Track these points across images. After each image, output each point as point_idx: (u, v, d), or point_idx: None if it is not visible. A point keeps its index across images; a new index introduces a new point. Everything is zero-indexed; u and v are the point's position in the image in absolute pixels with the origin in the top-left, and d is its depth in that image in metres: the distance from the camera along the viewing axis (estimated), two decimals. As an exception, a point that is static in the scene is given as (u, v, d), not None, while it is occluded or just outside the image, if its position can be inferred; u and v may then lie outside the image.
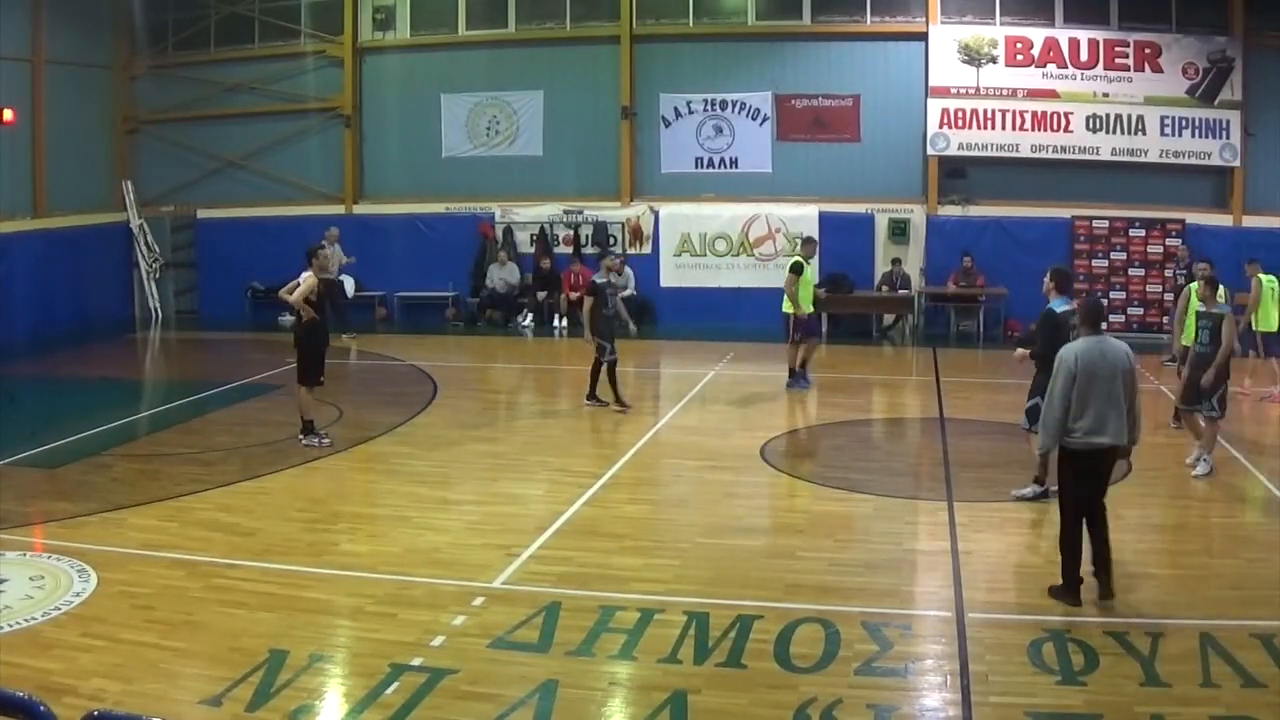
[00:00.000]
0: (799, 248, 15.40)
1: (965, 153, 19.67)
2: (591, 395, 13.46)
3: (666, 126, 20.91)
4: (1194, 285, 12.17)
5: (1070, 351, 7.49)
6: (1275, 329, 14.49)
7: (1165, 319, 19.01)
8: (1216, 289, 10.86)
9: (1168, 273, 18.66)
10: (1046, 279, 9.67)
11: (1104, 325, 7.81)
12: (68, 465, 10.97)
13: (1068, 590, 7.39)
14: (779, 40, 20.47)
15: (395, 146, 21.93)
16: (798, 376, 14.60)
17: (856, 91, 20.15)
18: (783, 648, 6.64)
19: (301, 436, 11.62)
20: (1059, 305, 9.40)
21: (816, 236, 17.25)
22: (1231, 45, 18.76)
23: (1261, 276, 14.43)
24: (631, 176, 20.98)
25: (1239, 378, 12.99)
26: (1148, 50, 19.02)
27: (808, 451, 11.99)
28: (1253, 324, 14.26)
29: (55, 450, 11.43)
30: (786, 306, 14.47)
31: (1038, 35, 19.30)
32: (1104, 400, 7.32)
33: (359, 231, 20.92)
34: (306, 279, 11.41)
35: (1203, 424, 10.54)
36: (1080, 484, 7.48)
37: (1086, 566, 7.40)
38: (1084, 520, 7.48)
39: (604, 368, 13.30)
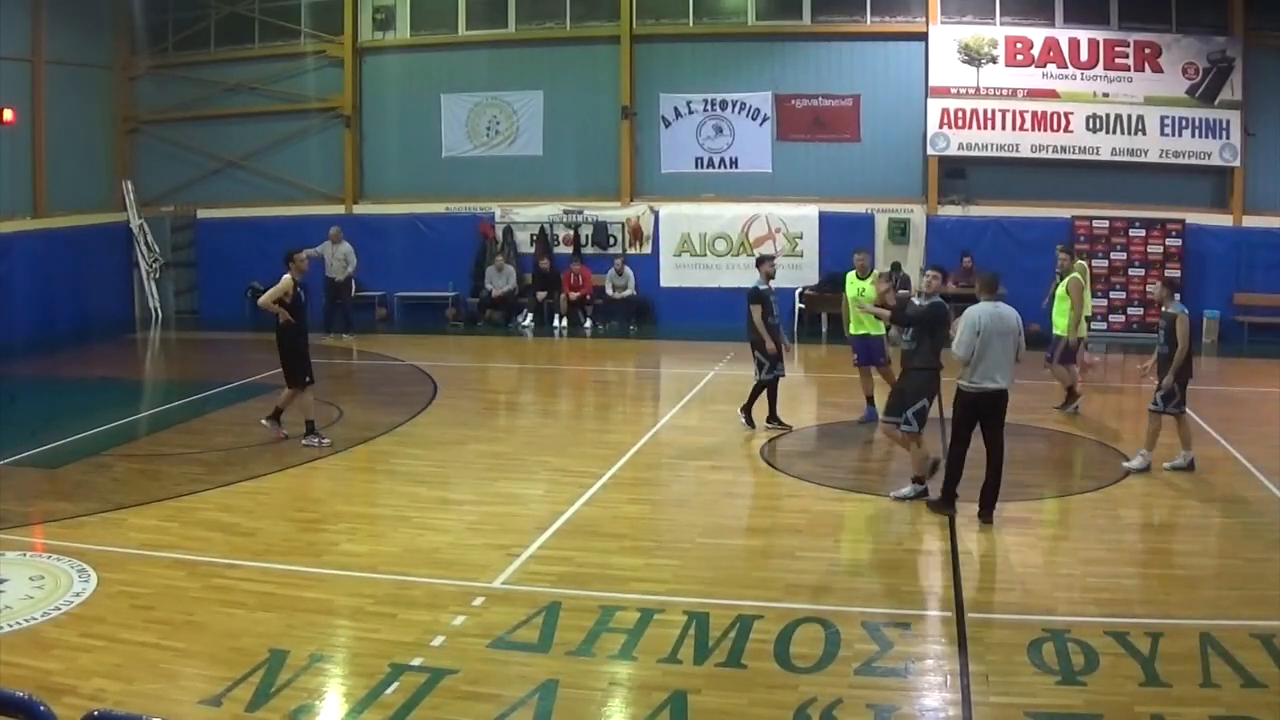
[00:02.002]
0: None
1: (965, 153, 19.66)
2: (772, 416, 12.20)
3: (666, 126, 20.91)
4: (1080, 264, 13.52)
5: (976, 312, 9.02)
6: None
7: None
8: (1174, 290, 10.97)
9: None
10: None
11: (1001, 291, 9.32)
12: (68, 465, 10.97)
13: (945, 503, 9.10)
14: (779, 40, 20.47)
15: (395, 146, 21.94)
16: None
17: (856, 91, 20.15)
18: (783, 648, 6.64)
19: (301, 437, 11.65)
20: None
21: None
22: (1231, 45, 18.75)
23: (1081, 263, 14.11)
24: (631, 176, 20.98)
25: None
26: (1148, 50, 19.02)
27: (808, 451, 11.98)
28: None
29: (55, 450, 11.42)
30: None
31: (1038, 35, 19.30)
32: (998, 353, 8.88)
33: (359, 231, 20.90)
34: (282, 281, 11.54)
35: (1159, 423, 10.61)
36: (968, 418, 9.01)
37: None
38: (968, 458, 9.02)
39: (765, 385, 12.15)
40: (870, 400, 12.64)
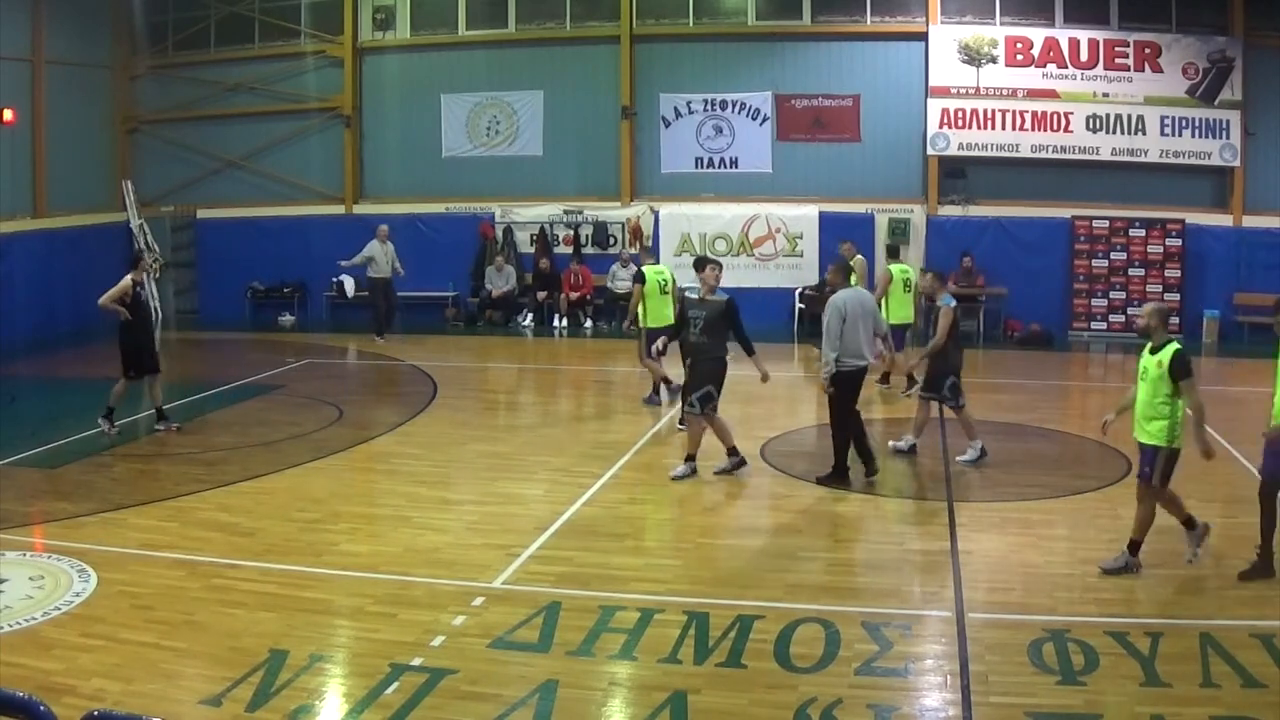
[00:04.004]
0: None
1: (965, 153, 19.67)
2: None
3: (666, 126, 20.91)
4: (894, 268, 14.64)
5: (840, 298, 10.02)
6: (909, 320, 14.88)
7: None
8: (944, 281, 11.62)
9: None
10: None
11: (853, 279, 10.46)
12: (68, 465, 10.98)
13: (837, 477, 10.13)
14: (779, 40, 20.47)
15: (395, 146, 21.94)
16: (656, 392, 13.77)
17: (856, 91, 20.16)
18: (783, 648, 6.64)
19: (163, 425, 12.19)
20: (691, 291, 10.93)
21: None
22: (1231, 45, 18.75)
23: (892, 267, 14.88)
24: (631, 176, 20.98)
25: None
26: (1148, 50, 19.02)
27: (808, 451, 11.97)
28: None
29: (55, 450, 11.43)
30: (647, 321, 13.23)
31: (1038, 35, 19.30)
32: (861, 334, 9.99)
33: (359, 231, 20.87)
34: (121, 282, 12.10)
35: (926, 412, 11.34)
36: (851, 396, 10.11)
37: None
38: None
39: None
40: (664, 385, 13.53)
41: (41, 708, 2.88)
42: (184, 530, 8.88)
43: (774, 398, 14.27)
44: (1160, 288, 19.04)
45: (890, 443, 11.44)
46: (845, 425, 10.17)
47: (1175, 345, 7.84)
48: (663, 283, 13.39)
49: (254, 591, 7.55)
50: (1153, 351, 7.87)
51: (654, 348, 11.87)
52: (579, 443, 12.26)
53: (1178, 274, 19.02)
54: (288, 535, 8.82)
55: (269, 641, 6.67)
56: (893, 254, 15.66)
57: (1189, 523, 8.07)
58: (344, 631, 7.03)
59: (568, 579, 7.81)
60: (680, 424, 12.09)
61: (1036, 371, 16.84)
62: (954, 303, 11.16)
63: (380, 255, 18.90)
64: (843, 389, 10.06)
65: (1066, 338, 19.25)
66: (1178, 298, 18.98)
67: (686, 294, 11.23)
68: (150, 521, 9.10)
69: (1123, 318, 19.24)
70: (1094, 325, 19.33)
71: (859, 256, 14.89)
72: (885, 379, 14.50)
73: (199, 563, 8.08)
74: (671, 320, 12.52)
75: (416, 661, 6.44)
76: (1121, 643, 6.63)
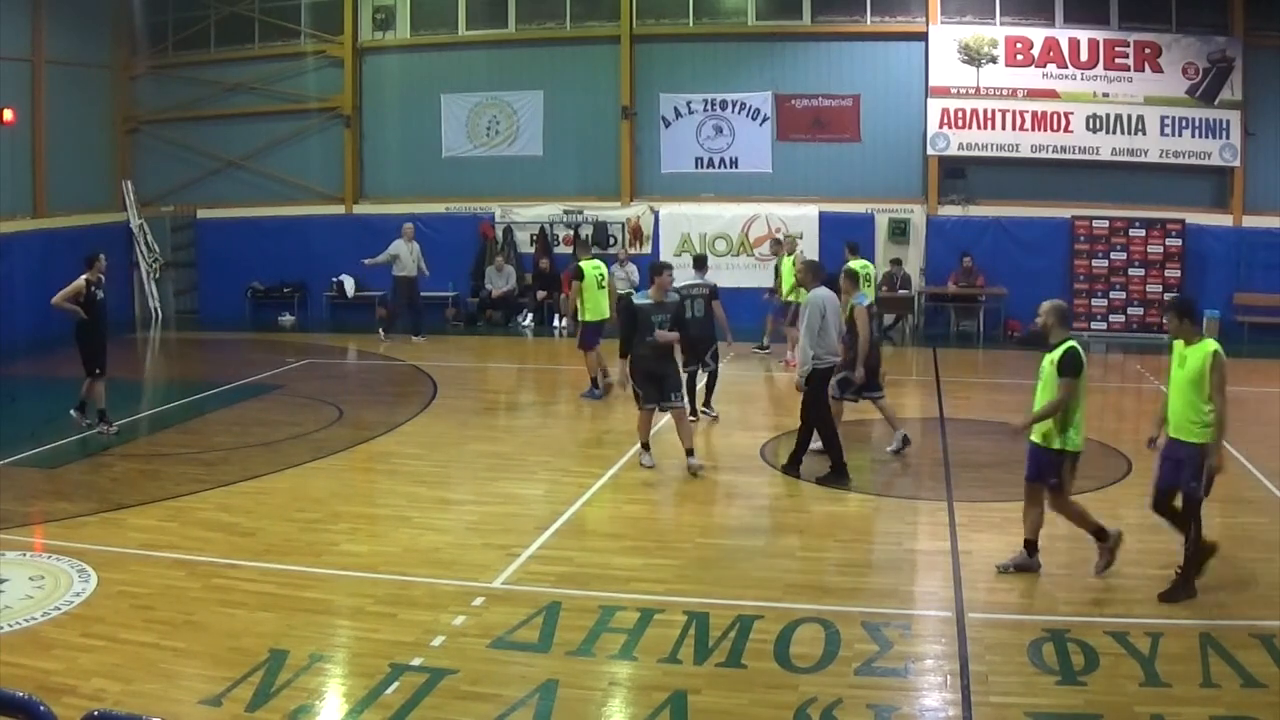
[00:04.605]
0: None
1: (965, 153, 19.66)
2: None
3: (666, 126, 20.91)
4: (854, 264, 14.52)
5: (818, 297, 10.30)
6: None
7: (1165, 319, 19.05)
8: (856, 281, 11.70)
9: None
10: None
11: (824, 278, 10.67)
12: (68, 465, 10.99)
13: (836, 476, 10.22)
14: (779, 40, 20.47)
15: (395, 146, 21.93)
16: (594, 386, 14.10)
17: (856, 91, 20.15)
18: (783, 648, 6.64)
19: (90, 422, 12.19)
20: (639, 297, 11.03)
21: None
22: (1231, 45, 18.75)
23: (853, 263, 14.86)
24: (631, 176, 20.99)
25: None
26: (1148, 50, 19.02)
27: (808, 451, 11.96)
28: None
29: (55, 450, 11.43)
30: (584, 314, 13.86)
31: (1038, 35, 19.30)
32: (834, 331, 10.32)
33: (359, 231, 20.93)
34: (75, 283, 12.13)
35: (888, 408, 11.58)
36: (824, 392, 10.26)
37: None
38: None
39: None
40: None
41: (41, 708, 2.88)
42: (184, 530, 8.88)
43: (774, 397, 14.29)
44: (1160, 288, 19.05)
45: (888, 448, 11.45)
46: (824, 419, 10.33)
47: (1070, 344, 7.64)
48: (599, 277, 14.10)
49: (254, 591, 7.55)
50: (1049, 350, 7.78)
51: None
52: (579, 443, 12.27)
53: (1178, 274, 19.01)
54: (288, 535, 8.82)
55: (269, 641, 6.67)
56: (853, 250, 15.91)
57: (1087, 531, 7.87)
58: (344, 631, 7.03)
59: (568, 579, 7.81)
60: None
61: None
62: (867, 301, 11.46)
63: (406, 254, 18.86)
64: (816, 385, 10.23)
65: (1066, 338, 19.21)
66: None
67: (636, 299, 10.97)
68: (150, 521, 9.10)
69: (1123, 318, 19.25)
70: (1094, 325, 19.32)
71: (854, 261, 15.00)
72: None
73: (199, 563, 8.08)
74: (607, 313, 13.52)
75: (416, 661, 6.44)
76: (1121, 643, 6.63)
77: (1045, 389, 7.70)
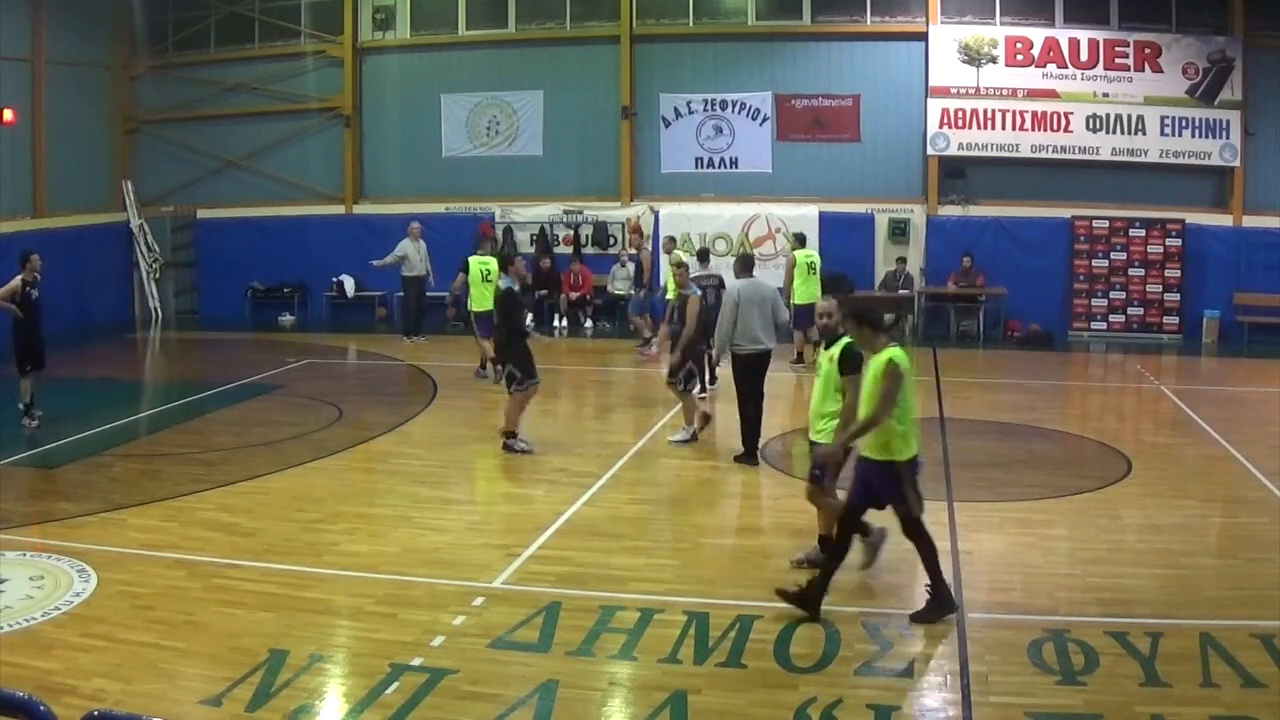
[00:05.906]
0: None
1: (965, 153, 19.65)
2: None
3: (666, 126, 20.91)
4: (798, 254, 16.16)
5: (734, 288, 10.78)
6: (816, 299, 14.78)
7: (1165, 319, 19.09)
8: (689, 276, 12.45)
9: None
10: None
11: (753, 272, 11.20)
12: (68, 465, 10.98)
13: (750, 456, 10.82)
14: (779, 40, 20.47)
15: (395, 146, 21.93)
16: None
17: (856, 91, 20.14)
18: (783, 648, 6.64)
19: (27, 419, 12.34)
20: (505, 283, 11.66)
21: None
22: (1231, 45, 18.74)
23: (797, 253, 16.24)
24: (631, 176, 20.98)
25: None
26: (1148, 50, 19.01)
27: (808, 452, 11.96)
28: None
29: (55, 450, 11.43)
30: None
31: (1038, 35, 19.30)
32: (759, 319, 10.64)
33: (359, 231, 20.94)
34: (11, 283, 12.27)
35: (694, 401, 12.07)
36: (745, 377, 10.88)
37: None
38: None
39: None
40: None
41: (41, 708, 2.88)
42: (184, 530, 8.88)
43: (774, 397, 14.25)
44: (1160, 288, 19.07)
45: (669, 438, 11.81)
46: (747, 403, 10.86)
47: (849, 340, 7.41)
48: (485, 271, 14.95)
49: (254, 591, 7.54)
50: (827, 347, 7.73)
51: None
52: (578, 443, 12.26)
53: (1178, 274, 19.01)
54: (287, 535, 8.82)
55: (269, 641, 6.67)
56: (799, 241, 17.00)
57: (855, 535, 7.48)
58: (344, 631, 7.03)
59: (568, 579, 7.81)
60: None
61: (1036, 371, 16.84)
62: (699, 292, 12.09)
63: (414, 254, 18.84)
64: (742, 371, 10.82)
65: (1066, 338, 19.24)
66: (1178, 298, 19.01)
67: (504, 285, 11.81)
68: (150, 521, 9.09)
69: (1123, 318, 19.25)
70: (1094, 325, 19.33)
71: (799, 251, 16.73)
72: (800, 359, 15.77)
73: (199, 563, 8.08)
74: (491, 305, 13.70)
75: (416, 661, 6.44)
76: (1121, 643, 6.63)
77: (823, 385, 7.67)
